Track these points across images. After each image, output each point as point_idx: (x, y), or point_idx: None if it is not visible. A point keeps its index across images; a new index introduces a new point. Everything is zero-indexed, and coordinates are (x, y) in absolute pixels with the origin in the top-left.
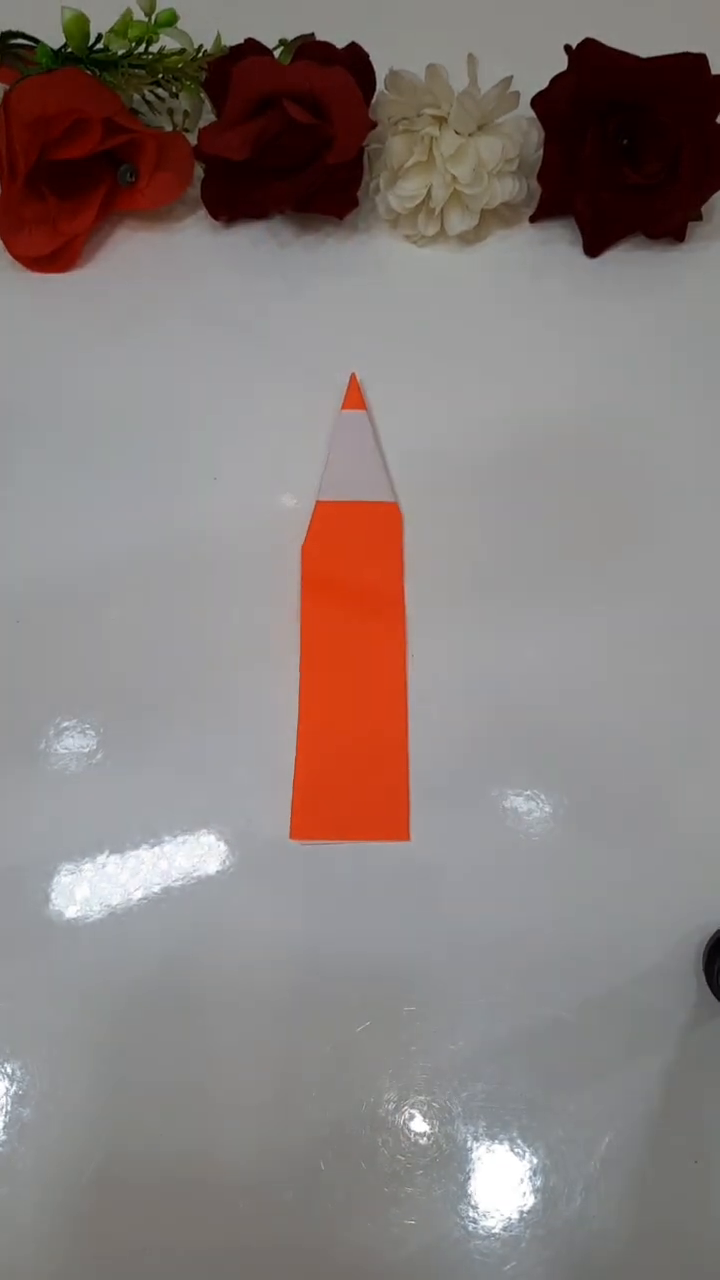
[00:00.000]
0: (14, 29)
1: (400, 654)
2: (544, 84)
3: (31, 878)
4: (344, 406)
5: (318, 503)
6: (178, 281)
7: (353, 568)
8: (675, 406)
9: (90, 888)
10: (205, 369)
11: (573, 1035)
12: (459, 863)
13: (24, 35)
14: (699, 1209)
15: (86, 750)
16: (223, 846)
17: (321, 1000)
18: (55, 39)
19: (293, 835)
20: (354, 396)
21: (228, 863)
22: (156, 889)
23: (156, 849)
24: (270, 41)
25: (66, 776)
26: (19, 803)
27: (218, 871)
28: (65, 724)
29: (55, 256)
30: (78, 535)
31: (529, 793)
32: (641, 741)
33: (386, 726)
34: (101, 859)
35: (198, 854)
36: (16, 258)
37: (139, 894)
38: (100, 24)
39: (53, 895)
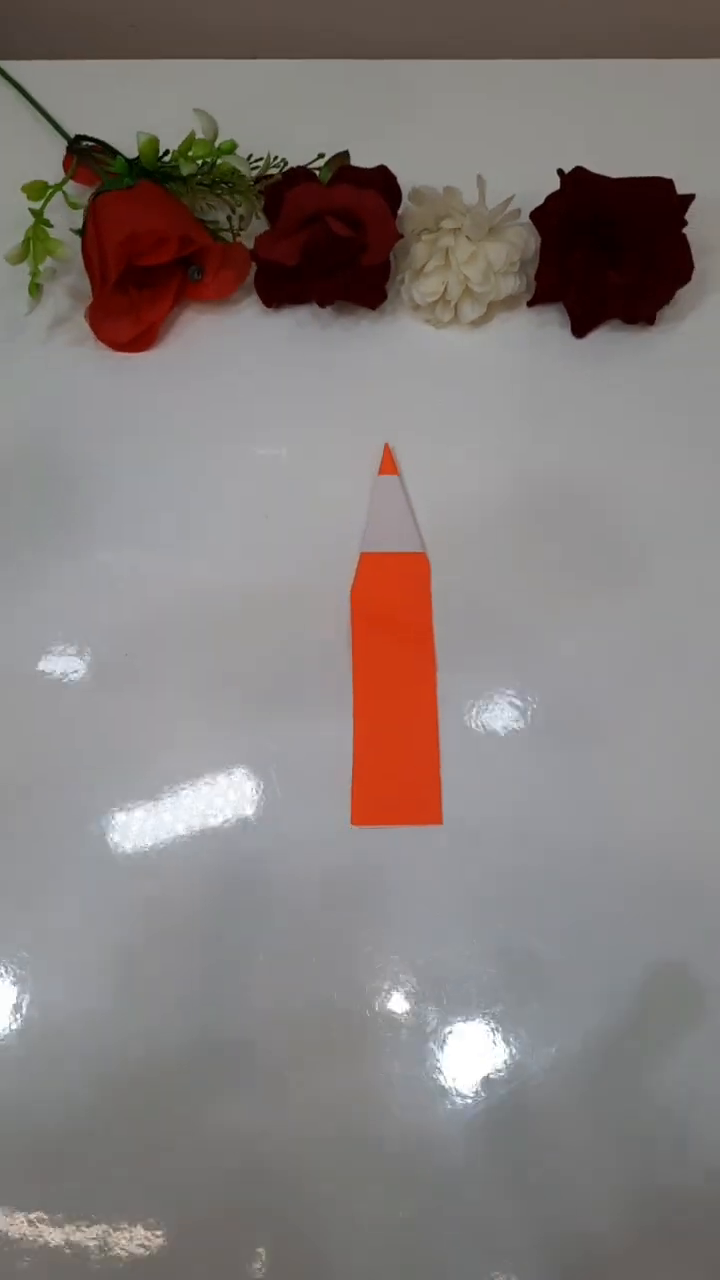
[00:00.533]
0: (82, 133)
1: (431, 675)
2: (540, 197)
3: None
4: (380, 472)
5: (362, 554)
6: (237, 358)
7: (392, 606)
8: (652, 460)
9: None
10: (260, 435)
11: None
12: (478, 840)
13: (94, 139)
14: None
15: (184, 752)
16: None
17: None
18: (120, 140)
19: (353, 822)
20: (388, 464)
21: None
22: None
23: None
24: (309, 149)
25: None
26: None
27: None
28: (169, 730)
29: (136, 340)
30: (169, 577)
31: (542, 779)
32: (634, 740)
33: (421, 733)
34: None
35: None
36: (105, 342)
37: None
38: (159, 130)
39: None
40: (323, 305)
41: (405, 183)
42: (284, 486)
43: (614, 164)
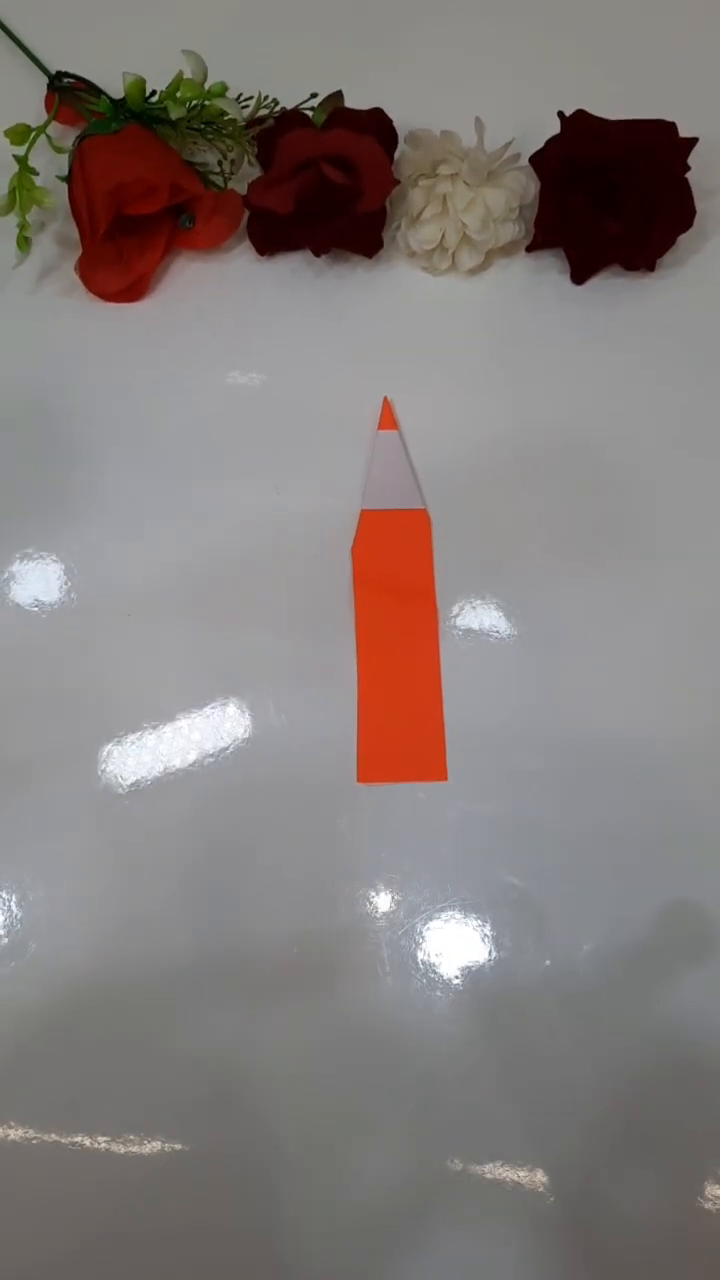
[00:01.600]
0: (63, 70)
1: (433, 632)
2: (539, 142)
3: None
4: (380, 427)
5: (362, 511)
6: (230, 306)
7: (393, 563)
8: (651, 407)
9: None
10: (256, 386)
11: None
12: (484, 797)
13: (75, 76)
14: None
15: (194, 710)
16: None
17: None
18: (102, 75)
19: (360, 779)
20: (387, 418)
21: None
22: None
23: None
24: (302, 90)
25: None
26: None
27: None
28: (176, 695)
29: (127, 290)
30: (167, 537)
31: (540, 739)
32: (633, 709)
33: (425, 691)
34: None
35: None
36: (95, 293)
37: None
38: (144, 68)
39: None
40: (318, 254)
41: (401, 113)
42: (280, 439)
43: (617, 97)
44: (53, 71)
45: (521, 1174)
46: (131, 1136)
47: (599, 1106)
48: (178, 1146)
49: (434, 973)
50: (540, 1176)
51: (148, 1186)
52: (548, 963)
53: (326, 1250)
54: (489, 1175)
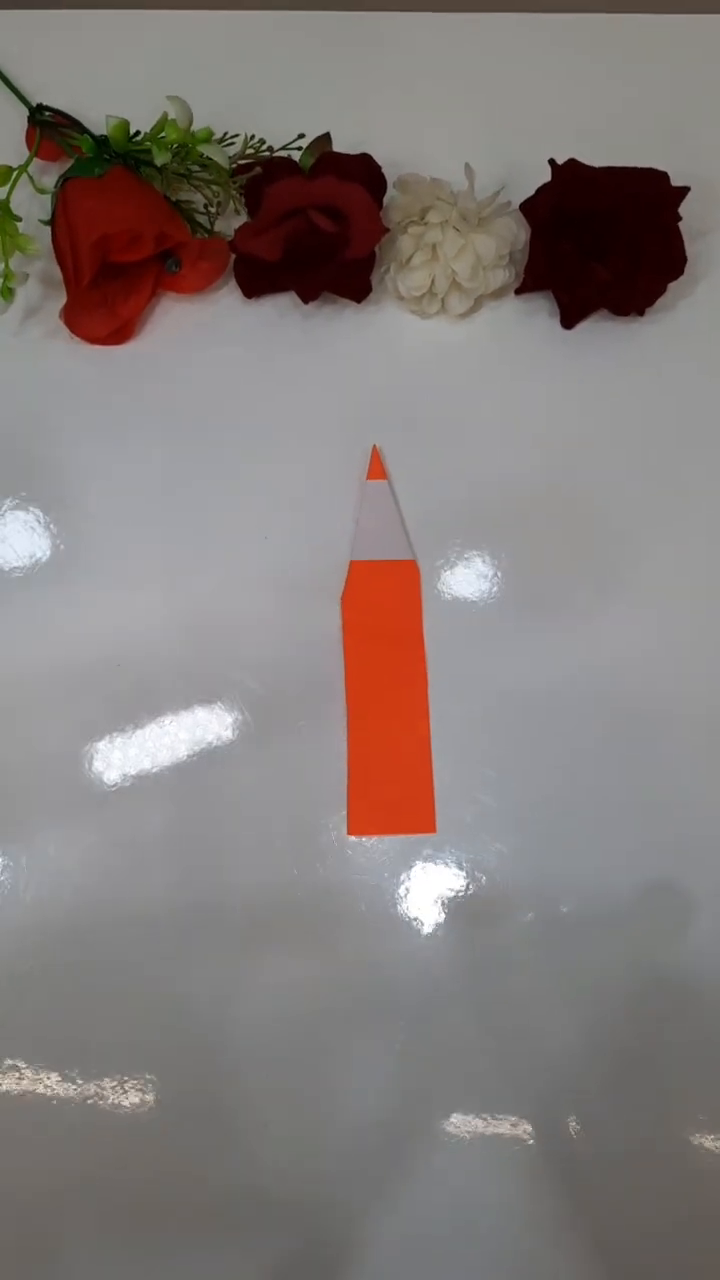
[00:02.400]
0: (43, 102)
1: (422, 682)
2: (529, 187)
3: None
4: (368, 477)
5: (351, 563)
6: (216, 349)
7: (383, 614)
8: (638, 450)
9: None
10: (243, 431)
11: None
12: (473, 845)
13: (54, 109)
14: None
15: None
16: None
17: None
18: (80, 105)
19: (350, 832)
20: (376, 468)
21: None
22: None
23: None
24: (289, 128)
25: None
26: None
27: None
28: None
29: (113, 334)
30: (153, 584)
31: (524, 781)
32: (615, 735)
33: (414, 743)
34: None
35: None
36: (80, 338)
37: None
38: (127, 100)
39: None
40: (306, 301)
41: (389, 153)
42: (268, 486)
43: (609, 142)
44: (33, 104)
45: (501, 1113)
46: (119, 1080)
47: (578, 1048)
48: (163, 1090)
49: (417, 921)
50: (520, 1115)
51: (135, 1128)
52: (530, 917)
53: (311, 1188)
54: (472, 1115)
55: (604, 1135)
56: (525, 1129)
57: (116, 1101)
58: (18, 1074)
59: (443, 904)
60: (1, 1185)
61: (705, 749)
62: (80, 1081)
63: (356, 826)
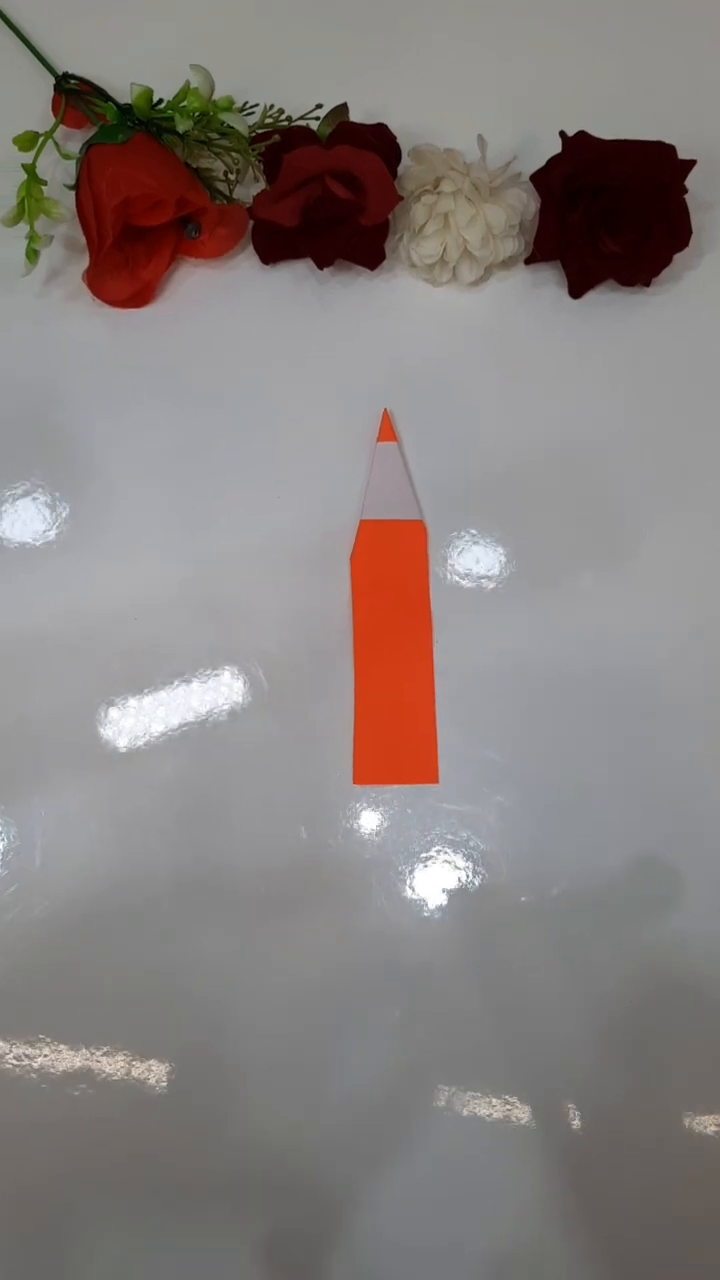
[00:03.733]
0: (69, 71)
1: (428, 638)
2: (540, 159)
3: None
4: (379, 439)
5: (361, 522)
6: (234, 314)
7: (390, 572)
8: (645, 419)
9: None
10: (258, 394)
11: None
12: (476, 799)
13: (80, 78)
14: None
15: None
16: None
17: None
18: (105, 75)
19: (355, 781)
20: (386, 431)
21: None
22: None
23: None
24: (307, 98)
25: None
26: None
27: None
28: (181, 689)
29: (133, 297)
30: (169, 543)
31: (526, 737)
32: (629, 718)
33: (419, 697)
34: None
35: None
36: (102, 300)
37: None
38: (151, 68)
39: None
40: (321, 266)
41: (405, 124)
42: (281, 448)
43: (618, 114)
44: (59, 72)
45: (502, 1088)
46: (126, 1053)
47: (580, 1025)
48: (169, 1071)
49: (420, 898)
50: (520, 1091)
51: (141, 1102)
52: (523, 899)
53: (314, 1161)
54: (473, 1090)
55: (604, 1111)
56: (524, 1105)
57: (114, 1077)
58: (25, 1048)
59: (443, 856)
60: (4, 1163)
61: (706, 711)
62: (88, 1055)
63: (362, 776)
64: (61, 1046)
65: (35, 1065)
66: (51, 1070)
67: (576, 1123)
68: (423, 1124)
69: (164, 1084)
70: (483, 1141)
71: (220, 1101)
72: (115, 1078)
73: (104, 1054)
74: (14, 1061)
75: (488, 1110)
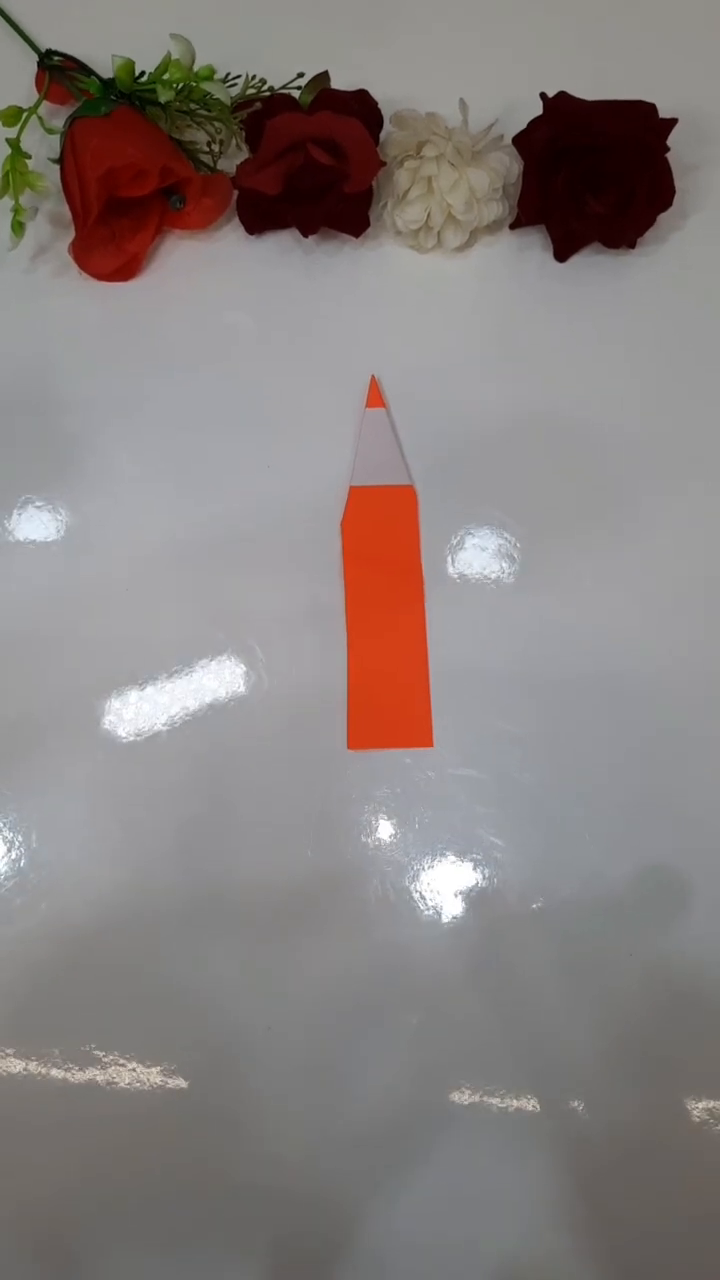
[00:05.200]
0: (52, 48)
1: (419, 602)
2: (522, 123)
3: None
4: (367, 405)
5: (351, 488)
6: (220, 284)
7: (381, 538)
8: (631, 380)
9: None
10: (246, 363)
11: None
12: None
13: (64, 54)
14: None
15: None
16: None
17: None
18: (88, 52)
19: (350, 746)
20: (374, 396)
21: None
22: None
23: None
24: (288, 69)
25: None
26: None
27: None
28: (171, 664)
29: (120, 270)
30: (160, 513)
31: (518, 702)
32: (616, 679)
33: (412, 662)
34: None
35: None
36: (89, 273)
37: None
38: (133, 45)
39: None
40: (306, 234)
41: (386, 92)
42: (270, 416)
43: (599, 76)
44: (43, 49)
45: (512, 1096)
46: (137, 1066)
47: (588, 1033)
48: (180, 1079)
49: (427, 908)
50: (531, 1098)
51: (151, 1114)
52: (536, 905)
53: (326, 1170)
54: (482, 1099)
55: (617, 1118)
56: (536, 1108)
57: (132, 1090)
58: (38, 1064)
59: (454, 892)
60: (11, 1175)
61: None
62: (99, 1070)
63: (357, 741)
64: (71, 1055)
65: (45, 1074)
66: (61, 1079)
67: (588, 1129)
68: (434, 1132)
69: (175, 1091)
70: (494, 1149)
71: (231, 1108)
72: (127, 1086)
73: (114, 1062)
74: (24, 1070)
75: (499, 1116)
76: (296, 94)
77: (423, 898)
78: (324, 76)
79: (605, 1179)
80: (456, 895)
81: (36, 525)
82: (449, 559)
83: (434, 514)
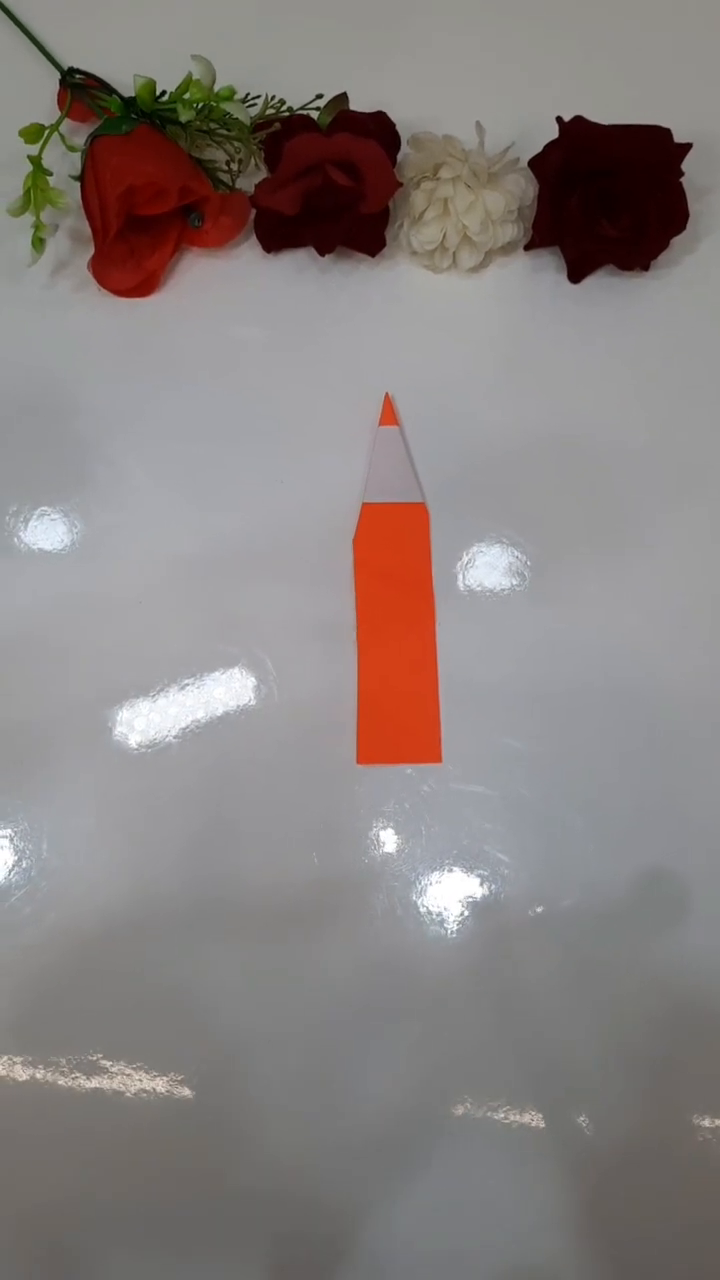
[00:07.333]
0: (74, 66)
1: (430, 619)
2: (538, 145)
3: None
4: (381, 423)
5: (363, 505)
6: (237, 302)
7: (392, 555)
8: (644, 402)
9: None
10: (261, 380)
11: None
12: (476, 777)
13: (86, 73)
14: None
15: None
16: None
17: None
18: (109, 70)
19: (359, 761)
20: (388, 414)
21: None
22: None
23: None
24: (308, 89)
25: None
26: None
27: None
28: (181, 679)
29: (138, 286)
30: (174, 528)
31: (527, 719)
32: (627, 696)
33: (421, 677)
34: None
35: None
36: (107, 289)
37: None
38: (154, 63)
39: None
40: (323, 254)
41: (404, 114)
42: (284, 432)
43: (615, 100)
44: (65, 67)
45: (515, 1105)
46: (142, 1074)
47: (590, 1041)
48: (185, 1087)
49: (433, 921)
50: (533, 1107)
51: (156, 1122)
52: (542, 919)
53: (328, 1177)
54: (485, 1108)
55: (619, 1126)
56: (538, 1118)
57: (134, 1096)
58: (40, 1070)
59: (444, 830)
60: (15, 1181)
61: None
62: (102, 1076)
63: (366, 755)
64: (77, 1063)
65: (50, 1082)
66: (67, 1087)
67: (590, 1138)
68: (436, 1140)
69: (179, 1099)
70: (496, 1157)
71: (236, 1116)
72: (132, 1094)
73: (119, 1070)
74: (30, 1078)
75: (502, 1125)
76: (315, 115)
77: (429, 911)
78: (343, 98)
79: (607, 1187)
80: (462, 909)
81: (51, 535)
82: (459, 576)
83: (445, 531)
